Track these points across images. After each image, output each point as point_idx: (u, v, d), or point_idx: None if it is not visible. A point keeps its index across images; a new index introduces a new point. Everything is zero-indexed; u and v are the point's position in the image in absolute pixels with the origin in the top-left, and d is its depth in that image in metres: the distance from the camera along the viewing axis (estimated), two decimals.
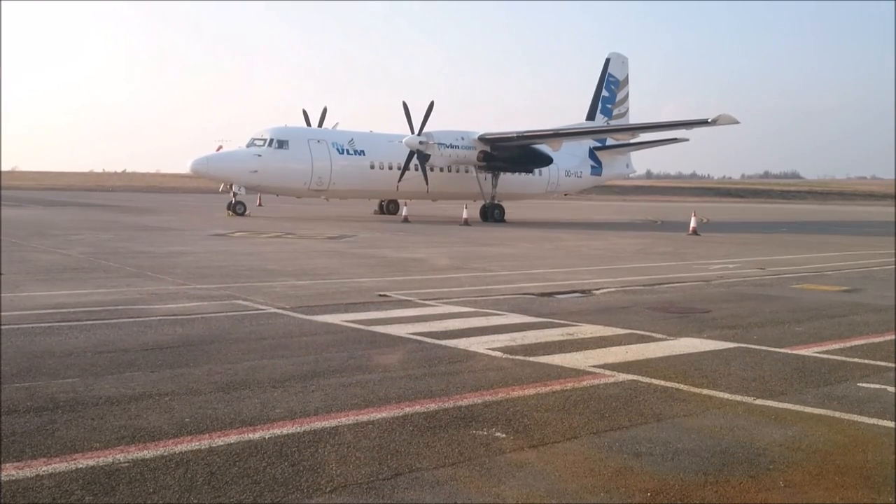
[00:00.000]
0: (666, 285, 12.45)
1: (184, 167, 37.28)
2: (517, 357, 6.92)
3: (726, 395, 5.77)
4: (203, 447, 4.35)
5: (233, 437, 4.52)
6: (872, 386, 6.14)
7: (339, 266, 14.09)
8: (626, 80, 45.29)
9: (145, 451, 4.24)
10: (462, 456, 4.34)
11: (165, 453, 4.23)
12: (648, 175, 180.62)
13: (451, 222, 32.15)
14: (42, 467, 3.97)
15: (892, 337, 8.31)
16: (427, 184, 34.44)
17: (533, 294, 11.08)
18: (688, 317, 9.40)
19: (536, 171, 38.94)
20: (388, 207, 39.55)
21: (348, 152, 33.80)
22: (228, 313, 8.83)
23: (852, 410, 5.41)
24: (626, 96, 45.38)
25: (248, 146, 32.31)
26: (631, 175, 52.12)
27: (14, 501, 3.58)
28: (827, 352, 7.46)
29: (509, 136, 34.83)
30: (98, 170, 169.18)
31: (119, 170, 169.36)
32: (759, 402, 5.62)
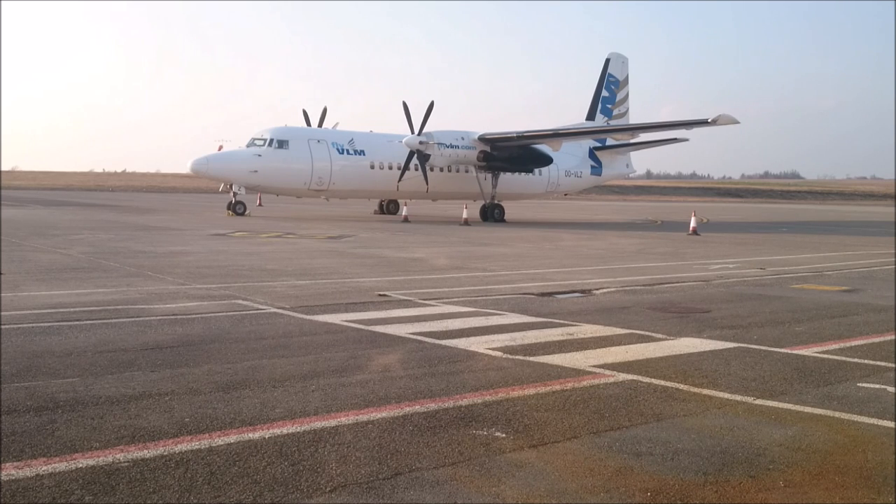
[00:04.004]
0: (666, 285, 12.44)
1: (184, 167, 37.33)
2: (517, 357, 6.92)
3: (726, 395, 5.77)
4: (203, 447, 4.34)
5: (233, 437, 4.52)
6: (872, 386, 6.14)
7: (339, 266, 14.09)
8: (626, 80, 45.29)
9: (145, 451, 4.24)
10: (462, 456, 4.34)
11: (165, 453, 4.23)
12: (648, 175, 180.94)
13: (451, 222, 32.15)
14: (42, 467, 3.97)
15: (892, 337, 8.31)
16: (427, 184, 34.43)
17: (533, 294, 11.08)
18: (688, 317, 9.40)
19: (536, 171, 38.96)
20: (388, 207, 39.53)
21: (348, 152, 33.79)
22: (228, 313, 8.83)
23: (852, 410, 5.41)
24: (626, 96, 45.38)
25: (248, 146, 32.32)
26: (631, 175, 52.12)
27: (14, 501, 3.58)
28: (827, 352, 7.46)
29: (509, 136, 34.83)
30: (98, 170, 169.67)
31: (119, 170, 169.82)
32: (759, 402, 5.62)
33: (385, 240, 21.32)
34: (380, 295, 10.51)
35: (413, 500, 3.73)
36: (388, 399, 5.43)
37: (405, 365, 6.52)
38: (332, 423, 4.86)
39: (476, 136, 34.57)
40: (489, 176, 36.27)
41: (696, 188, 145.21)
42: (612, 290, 11.77)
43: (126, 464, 4.06)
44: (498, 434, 4.74)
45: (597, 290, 11.71)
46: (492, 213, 35.19)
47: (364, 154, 34.26)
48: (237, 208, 32.89)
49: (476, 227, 29.38)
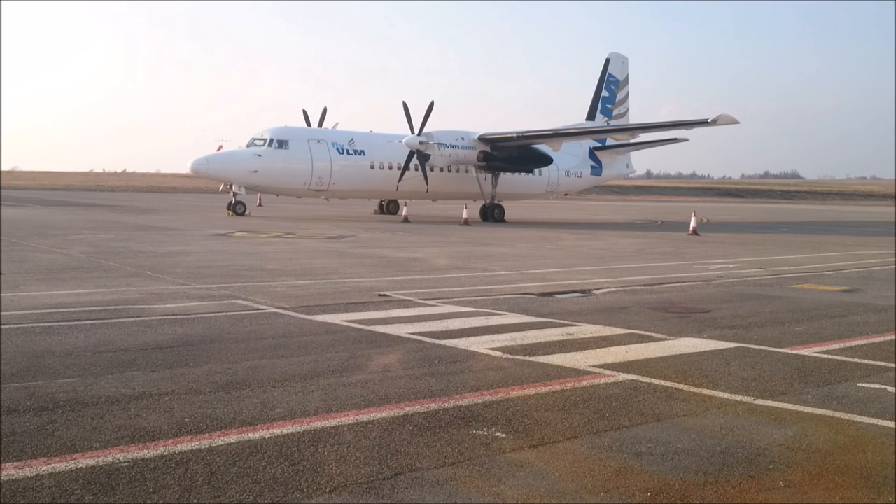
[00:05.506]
0: (666, 285, 12.44)
1: (184, 167, 37.34)
2: (517, 357, 6.92)
3: (726, 395, 5.77)
4: (203, 447, 4.34)
5: (233, 437, 4.52)
6: (872, 386, 6.14)
7: (339, 266, 14.09)
8: (626, 80, 45.29)
9: (145, 451, 4.24)
10: (462, 456, 4.34)
11: (165, 453, 4.23)
12: (648, 175, 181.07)
13: (451, 222, 32.15)
14: (42, 467, 3.97)
15: (892, 337, 8.31)
16: (427, 184, 34.43)
17: (533, 294, 11.08)
18: (688, 317, 9.40)
19: (536, 171, 38.96)
20: (388, 207, 39.54)
21: (348, 152, 33.79)
22: (228, 313, 8.83)
23: (852, 410, 5.41)
24: (626, 96, 45.38)
25: (248, 146, 32.32)
26: (631, 175, 52.13)
27: (14, 501, 3.58)
28: (827, 352, 7.45)
29: (509, 136, 34.83)
30: (98, 170, 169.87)
31: (119, 170, 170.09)
32: (759, 402, 5.62)
33: (385, 240, 21.32)
34: (380, 295, 10.51)
35: (413, 500, 3.73)
36: (388, 399, 5.43)
37: (405, 365, 6.52)
38: (332, 423, 4.86)
39: (476, 136, 34.57)
40: (489, 176, 36.27)
41: (696, 188, 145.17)
42: (612, 290, 11.77)
43: (126, 464, 4.06)
44: (498, 434, 4.74)
45: (597, 290, 11.71)
46: (492, 213, 35.19)
47: (364, 154, 34.26)
48: (237, 208, 32.89)
49: (476, 227, 29.38)
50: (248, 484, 3.85)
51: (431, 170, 34.53)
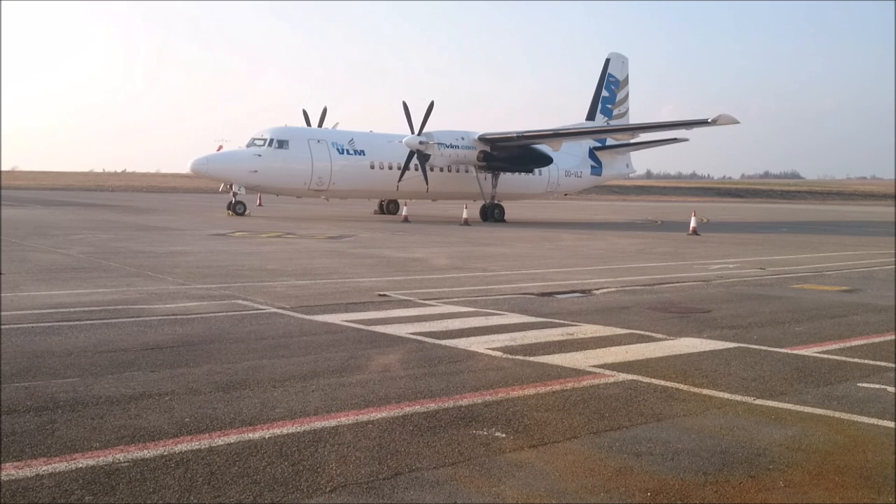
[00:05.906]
0: (666, 285, 12.44)
1: (184, 167, 37.35)
2: (517, 357, 6.92)
3: (726, 395, 5.77)
4: (203, 447, 4.35)
5: (233, 437, 4.52)
6: (872, 386, 6.14)
7: (339, 266, 14.09)
8: (626, 80, 45.29)
9: (145, 451, 4.24)
10: (462, 456, 4.34)
11: (165, 453, 4.23)
12: (648, 175, 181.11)
13: (451, 222, 32.15)
14: (42, 467, 3.97)
15: (892, 337, 8.31)
16: (427, 184, 34.44)
17: (533, 294, 11.08)
18: (688, 317, 9.40)
19: (536, 171, 38.97)
20: (388, 207, 39.55)
21: (348, 152, 33.80)
22: (228, 313, 8.83)
23: (852, 410, 5.41)
24: (626, 96, 45.39)
25: (248, 146, 32.32)
26: (631, 175, 52.14)
27: (14, 501, 3.58)
28: (827, 352, 7.45)
29: (509, 136, 34.83)
30: (98, 170, 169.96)
31: (119, 170, 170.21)
32: (759, 402, 5.62)
33: (385, 240, 21.32)
34: (380, 295, 10.51)
35: (413, 500, 3.73)
36: (388, 399, 5.43)
37: (405, 365, 6.52)
38: (332, 423, 4.86)
39: (476, 136, 34.58)
40: (489, 176, 36.28)
41: (696, 188, 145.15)
42: (612, 290, 11.77)
43: (126, 464, 4.06)
44: (498, 434, 4.74)
45: (597, 290, 11.71)
46: (492, 213, 35.20)
47: (364, 154, 34.26)
48: (237, 208, 32.89)
49: (476, 227, 29.37)
50: (248, 484, 3.85)
51: (431, 170, 34.53)
